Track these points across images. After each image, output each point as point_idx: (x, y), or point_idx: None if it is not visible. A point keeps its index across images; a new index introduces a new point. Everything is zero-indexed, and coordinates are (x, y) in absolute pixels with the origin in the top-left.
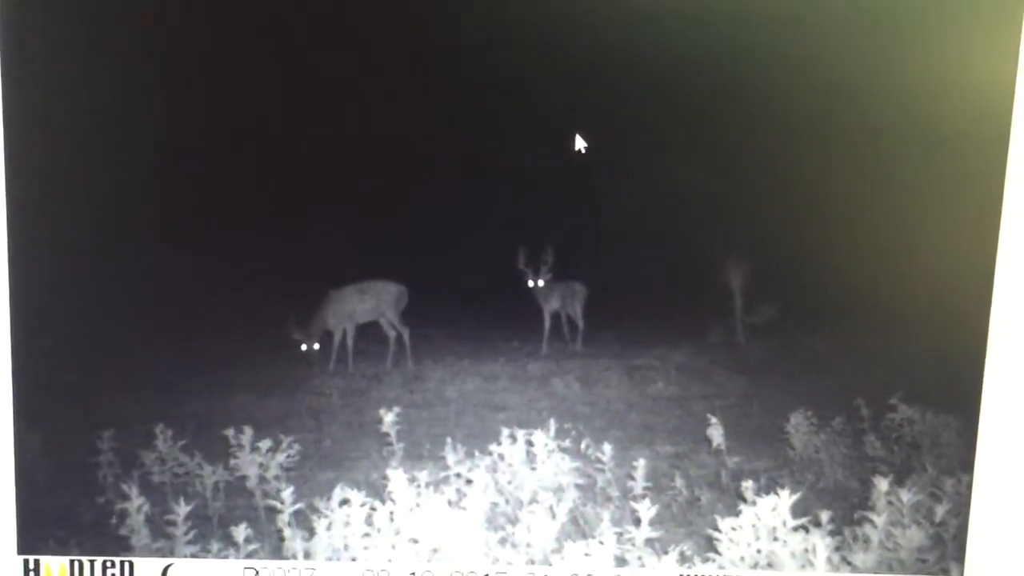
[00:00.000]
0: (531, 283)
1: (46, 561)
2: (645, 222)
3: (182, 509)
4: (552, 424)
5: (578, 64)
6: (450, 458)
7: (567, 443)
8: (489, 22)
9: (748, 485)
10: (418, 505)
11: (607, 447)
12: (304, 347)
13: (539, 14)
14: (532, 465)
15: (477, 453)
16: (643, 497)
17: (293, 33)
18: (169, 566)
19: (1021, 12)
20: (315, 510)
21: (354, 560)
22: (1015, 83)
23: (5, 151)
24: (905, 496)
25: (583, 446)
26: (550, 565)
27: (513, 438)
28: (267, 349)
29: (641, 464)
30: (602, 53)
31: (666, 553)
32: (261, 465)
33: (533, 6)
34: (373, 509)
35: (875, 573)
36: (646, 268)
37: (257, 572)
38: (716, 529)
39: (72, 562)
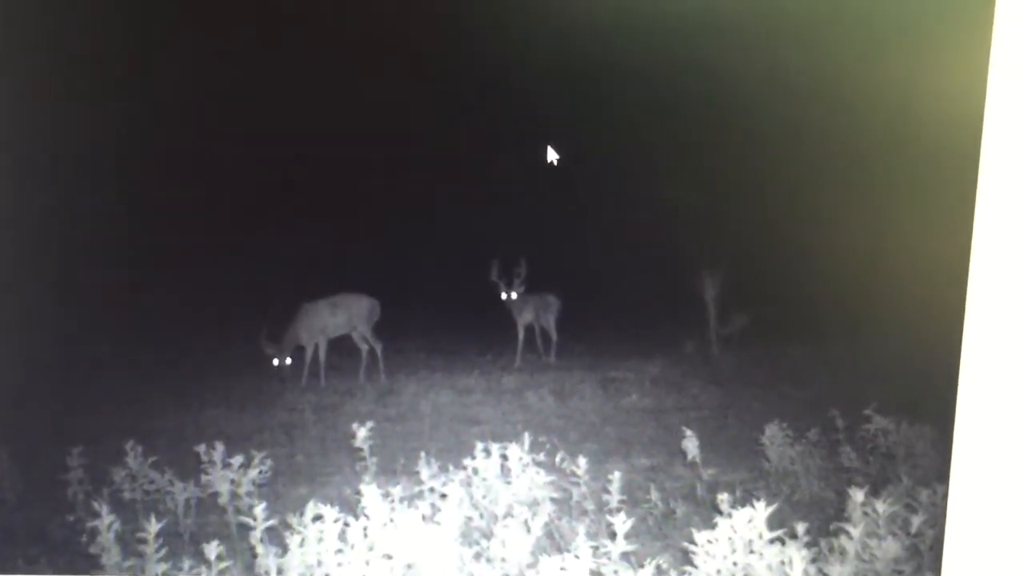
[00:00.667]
0: (504, 296)
1: None
2: (618, 234)
3: (153, 527)
4: (527, 437)
5: (552, 78)
6: (424, 473)
7: (542, 457)
8: (465, 39)
9: (724, 497)
10: (392, 520)
11: (582, 460)
12: (276, 362)
13: (515, 28)
14: (507, 479)
15: (451, 467)
16: (619, 510)
17: (269, 50)
18: None
19: (991, 22)
20: (288, 526)
21: None
22: (984, 98)
23: None
24: (881, 507)
25: (558, 459)
26: None
27: (487, 452)
28: (238, 364)
29: (616, 477)
30: (578, 67)
31: (642, 567)
32: (233, 481)
33: (510, 20)
34: (347, 525)
35: None
36: (620, 280)
37: None
38: (692, 542)
39: None
